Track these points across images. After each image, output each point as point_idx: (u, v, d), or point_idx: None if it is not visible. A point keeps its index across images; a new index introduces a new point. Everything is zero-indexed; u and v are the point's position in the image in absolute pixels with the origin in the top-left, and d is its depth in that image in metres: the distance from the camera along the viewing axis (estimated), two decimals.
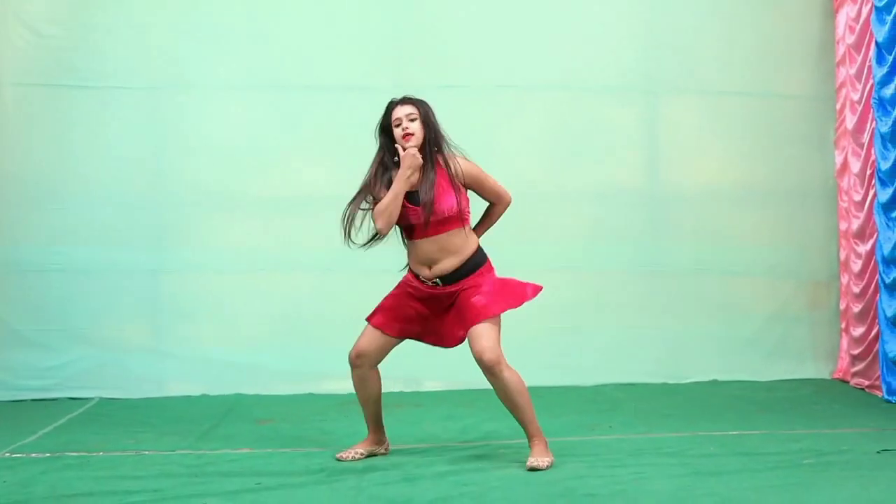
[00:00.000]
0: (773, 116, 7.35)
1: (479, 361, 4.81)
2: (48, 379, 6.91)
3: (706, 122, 7.39)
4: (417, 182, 4.84)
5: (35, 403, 6.80)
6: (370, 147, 6.96)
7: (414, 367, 7.04)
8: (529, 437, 4.90)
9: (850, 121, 6.99)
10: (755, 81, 7.33)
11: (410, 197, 4.86)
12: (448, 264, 4.87)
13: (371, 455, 5.13)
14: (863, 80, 6.77)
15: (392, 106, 4.93)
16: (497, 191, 5.02)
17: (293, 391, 6.96)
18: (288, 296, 7.15)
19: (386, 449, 5.20)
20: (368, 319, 5.06)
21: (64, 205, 7.02)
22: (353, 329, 6.98)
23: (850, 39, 6.94)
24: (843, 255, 7.18)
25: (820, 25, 7.32)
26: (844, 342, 7.18)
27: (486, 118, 7.05)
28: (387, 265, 7.05)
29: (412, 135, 4.86)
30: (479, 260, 4.94)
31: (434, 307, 4.97)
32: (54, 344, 6.96)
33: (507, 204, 5.05)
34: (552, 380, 6.95)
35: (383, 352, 5.05)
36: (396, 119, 4.89)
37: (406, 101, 4.92)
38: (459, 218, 4.88)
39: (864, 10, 6.73)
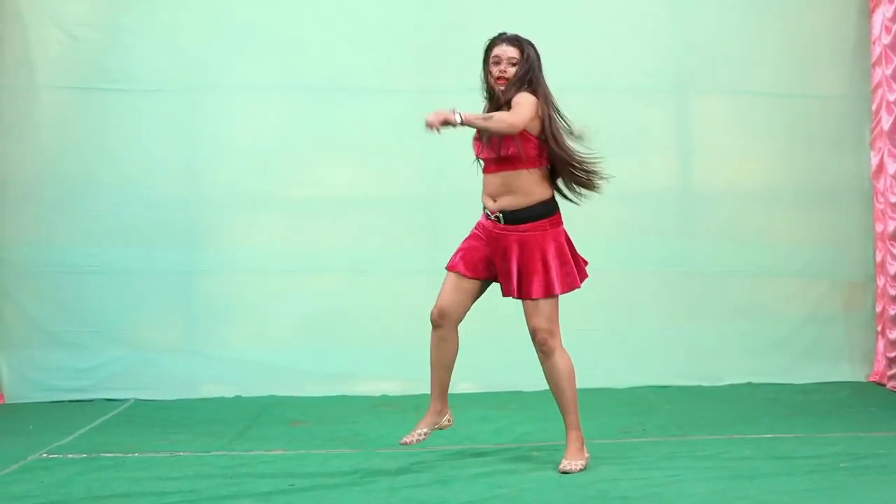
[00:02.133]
0: (807, 117, 7.30)
1: (533, 338, 4.81)
2: (84, 380, 6.97)
3: (738, 122, 7.35)
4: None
5: (71, 404, 6.86)
6: (398, 148, 7.06)
7: None
8: (567, 429, 4.87)
9: (887, 121, 6.94)
10: (789, 81, 7.28)
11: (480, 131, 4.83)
12: (512, 201, 4.81)
13: (437, 429, 5.03)
14: None
15: (495, 42, 4.84)
16: (512, 105, 4.72)
17: (326, 392, 6.98)
18: (321, 297, 7.18)
19: (449, 421, 5.10)
20: (449, 267, 4.94)
21: (98, 206, 7.07)
22: (387, 330, 7.09)
23: (887, 39, 6.90)
24: (879, 257, 7.14)
25: (855, 25, 7.26)
26: (881, 345, 7.13)
27: None
28: (419, 266, 7.14)
29: (507, 80, 4.80)
30: (546, 209, 4.84)
31: (496, 248, 4.85)
32: (89, 345, 7.01)
33: (502, 123, 4.65)
34: (584, 382, 6.81)
35: (465, 304, 4.90)
36: (496, 56, 4.82)
37: (513, 41, 4.83)
38: (523, 160, 4.77)
39: None
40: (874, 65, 7.14)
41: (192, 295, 7.16)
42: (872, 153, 7.20)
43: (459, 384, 7.00)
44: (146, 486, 4.70)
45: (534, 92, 4.79)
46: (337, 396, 6.96)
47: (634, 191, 7.27)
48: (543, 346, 4.81)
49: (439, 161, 7.02)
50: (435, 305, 4.93)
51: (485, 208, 4.92)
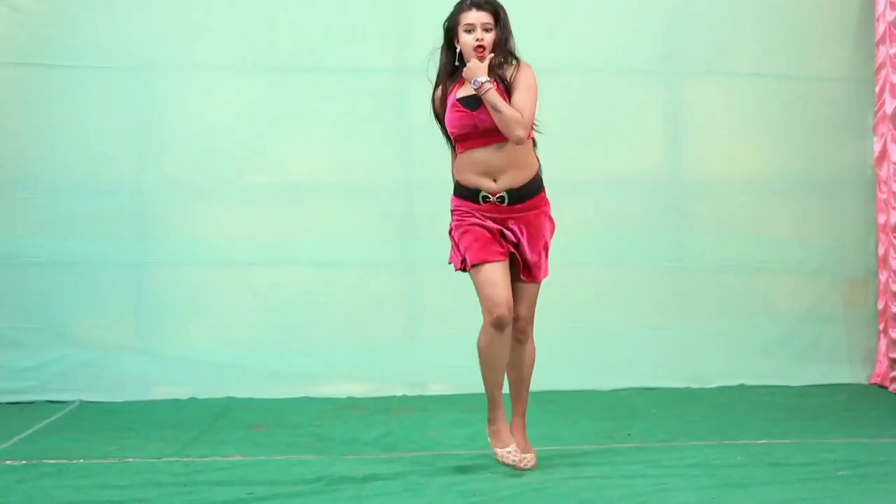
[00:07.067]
0: (805, 100, 7.33)
1: (515, 323, 4.86)
2: (24, 380, 6.92)
3: (733, 107, 7.38)
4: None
5: (10, 407, 6.81)
6: (368, 132, 7.04)
7: (418, 369, 7.08)
8: (521, 416, 5.06)
9: (891, 105, 6.98)
10: (786, 62, 7.31)
11: (466, 101, 4.77)
12: (517, 177, 4.77)
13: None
14: None
15: (464, 7, 4.79)
16: (518, 105, 4.68)
17: (288, 394, 6.97)
18: (283, 291, 7.17)
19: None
20: (479, 261, 4.76)
21: (41, 193, 7.03)
22: (354, 327, 7.10)
23: (892, 16, 6.93)
24: (881, 251, 7.18)
25: (858, 1, 7.30)
26: (883, 345, 7.17)
27: None
28: (390, 258, 7.15)
29: (485, 48, 4.76)
30: (540, 183, 4.89)
31: (504, 225, 4.82)
32: (31, 343, 6.97)
33: (515, 126, 4.65)
34: (566, 384, 6.96)
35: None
36: (468, 25, 4.76)
37: (482, 4, 4.75)
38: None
39: None
40: (878, 44, 7.17)
41: (143, 289, 7.13)
42: (875, 139, 7.24)
43: (431, 385, 7.05)
44: (92, 495, 4.68)
45: (506, 59, 4.79)
46: (299, 398, 6.95)
47: (620, 180, 7.30)
48: (522, 334, 4.94)
49: (413, 145, 7.02)
50: (496, 305, 4.75)
51: (477, 193, 4.80)
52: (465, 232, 4.84)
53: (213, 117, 7.13)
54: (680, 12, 7.29)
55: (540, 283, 4.95)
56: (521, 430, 5.08)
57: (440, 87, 4.93)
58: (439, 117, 4.93)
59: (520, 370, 5.03)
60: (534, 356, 5.05)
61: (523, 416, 5.09)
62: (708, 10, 7.29)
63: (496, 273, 4.77)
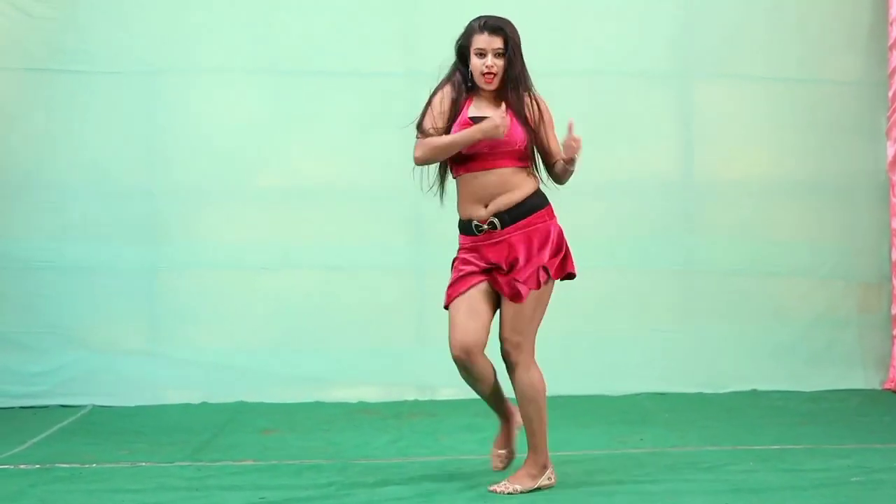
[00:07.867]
0: (818, 104, 7.33)
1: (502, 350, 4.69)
2: (37, 385, 6.96)
3: (745, 110, 7.38)
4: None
5: (23, 411, 6.84)
6: (378, 135, 7.05)
7: (429, 373, 7.09)
8: (528, 450, 4.76)
9: None
10: (799, 65, 7.31)
11: (477, 121, 4.64)
12: (506, 199, 4.62)
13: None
14: None
15: (476, 29, 4.68)
16: (559, 148, 4.73)
17: (299, 399, 7.00)
18: (294, 295, 7.18)
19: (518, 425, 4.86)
20: (447, 305, 4.76)
21: (53, 197, 7.05)
22: (365, 331, 7.11)
23: None
24: (894, 256, 7.18)
25: (871, 5, 7.30)
26: None
27: None
28: (400, 262, 7.15)
29: (495, 75, 4.65)
30: (538, 201, 4.70)
31: (499, 257, 4.65)
32: (43, 347, 7.00)
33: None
34: (578, 388, 6.96)
35: (485, 331, 4.71)
36: (479, 49, 4.65)
37: (495, 28, 4.63)
38: (524, 156, 4.68)
39: None
40: (891, 48, 7.17)
41: (154, 293, 7.15)
42: (888, 143, 7.24)
43: (442, 390, 7.05)
44: (105, 499, 4.70)
45: (523, 89, 4.71)
46: (311, 403, 6.97)
47: (631, 183, 7.30)
48: (506, 357, 4.67)
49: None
50: (452, 344, 4.69)
51: (469, 223, 4.69)
52: (454, 273, 4.77)
53: (222, 122, 7.15)
54: (691, 15, 7.29)
55: (526, 303, 4.63)
56: (521, 468, 4.77)
57: (439, 94, 4.77)
58: (425, 121, 4.79)
59: (520, 406, 4.71)
60: (532, 391, 4.65)
61: (530, 460, 4.75)
62: (719, 13, 7.30)
63: (458, 312, 4.68)
